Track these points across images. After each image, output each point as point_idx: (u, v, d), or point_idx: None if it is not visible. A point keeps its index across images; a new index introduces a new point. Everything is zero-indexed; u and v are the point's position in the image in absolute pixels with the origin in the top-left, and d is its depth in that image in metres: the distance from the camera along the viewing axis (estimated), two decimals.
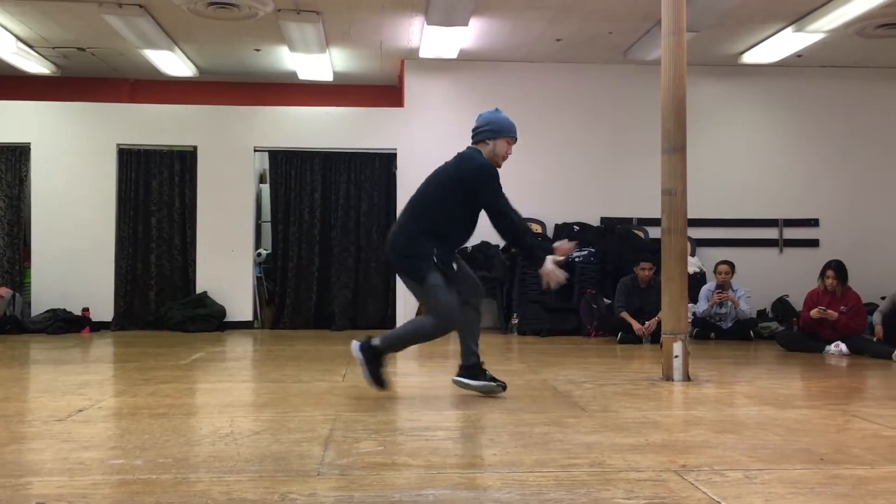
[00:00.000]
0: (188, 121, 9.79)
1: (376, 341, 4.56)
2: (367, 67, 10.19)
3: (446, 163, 4.73)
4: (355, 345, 4.58)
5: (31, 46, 9.21)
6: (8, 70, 9.89)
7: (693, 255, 9.50)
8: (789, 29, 8.49)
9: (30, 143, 9.58)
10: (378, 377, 4.54)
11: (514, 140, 4.69)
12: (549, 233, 9.79)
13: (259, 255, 10.33)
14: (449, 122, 9.98)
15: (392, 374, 5.80)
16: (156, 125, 9.76)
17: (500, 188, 4.60)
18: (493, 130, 4.55)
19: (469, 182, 4.48)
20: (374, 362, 4.55)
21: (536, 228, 9.77)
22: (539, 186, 9.92)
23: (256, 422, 3.90)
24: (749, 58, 9.52)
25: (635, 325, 7.98)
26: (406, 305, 9.71)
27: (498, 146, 4.54)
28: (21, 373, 5.99)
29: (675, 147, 5.38)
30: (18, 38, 8.89)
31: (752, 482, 2.81)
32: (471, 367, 4.67)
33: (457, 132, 9.99)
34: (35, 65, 9.68)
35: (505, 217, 4.52)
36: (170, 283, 9.74)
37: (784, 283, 9.69)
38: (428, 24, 8.22)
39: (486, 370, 4.69)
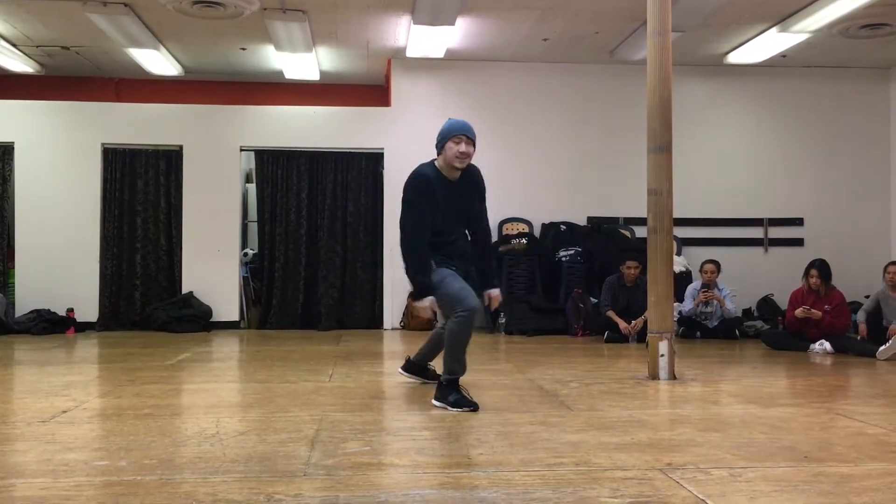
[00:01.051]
0: (174, 120, 9.74)
1: (443, 376, 4.36)
2: (354, 67, 10.17)
3: None
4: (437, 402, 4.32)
5: (14, 45, 9.13)
6: None
7: (679, 254, 9.54)
8: (774, 29, 8.54)
9: (13, 143, 9.51)
10: (465, 400, 4.25)
11: (462, 137, 4.38)
12: (536, 232, 9.81)
13: (245, 255, 10.29)
14: (436, 122, 9.84)
15: (378, 374, 5.82)
16: (141, 124, 9.70)
17: (413, 203, 4.37)
18: (440, 138, 4.48)
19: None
20: (452, 389, 4.30)
21: (523, 228, 9.80)
22: (525, 186, 9.93)
23: (242, 422, 3.89)
24: (734, 58, 9.57)
25: (622, 324, 8.01)
26: (393, 305, 9.71)
27: (446, 150, 4.43)
28: (4, 374, 5.94)
29: (661, 147, 5.40)
30: (2, 37, 8.82)
31: (736, 480, 2.83)
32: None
33: None
34: (19, 63, 9.60)
35: (400, 234, 4.44)
36: (155, 283, 9.69)
37: (769, 282, 9.76)
38: (415, 23, 8.21)
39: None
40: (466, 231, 4.65)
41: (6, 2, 7.78)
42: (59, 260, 9.38)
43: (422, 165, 4.53)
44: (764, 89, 10.26)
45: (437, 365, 4.80)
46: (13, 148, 9.51)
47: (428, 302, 4.32)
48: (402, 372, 5.22)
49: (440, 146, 4.48)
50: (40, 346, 7.68)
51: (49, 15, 8.17)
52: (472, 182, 4.59)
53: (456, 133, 4.41)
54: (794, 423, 3.90)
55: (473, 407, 4.16)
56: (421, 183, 4.39)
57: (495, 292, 4.69)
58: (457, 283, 4.33)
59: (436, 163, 4.53)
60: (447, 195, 4.42)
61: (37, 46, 9.24)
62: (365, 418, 4.00)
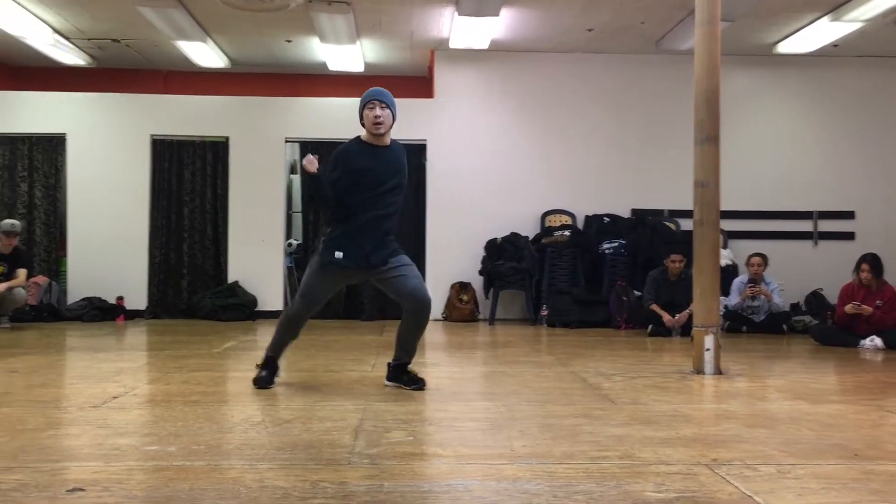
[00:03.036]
0: (220, 112, 9.88)
1: (403, 358, 4.60)
2: (398, 58, 10.19)
3: None
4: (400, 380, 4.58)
5: (67, 38, 9.34)
6: (44, 61, 10.04)
7: (725, 247, 9.40)
8: (826, 18, 8.34)
9: (66, 134, 9.73)
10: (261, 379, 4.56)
11: (373, 102, 4.37)
12: (579, 224, 9.75)
13: (290, 245, 10.39)
14: (479, 113, 9.98)
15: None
16: (188, 116, 9.86)
17: (338, 174, 4.39)
18: (359, 110, 4.47)
19: None
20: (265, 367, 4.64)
21: (566, 220, 9.74)
22: (569, 178, 9.88)
23: (287, 410, 3.94)
24: (784, 48, 9.38)
25: (666, 317, 7.92)
26: (435, 296, 9.72)
27: (364, 118, 4.44)
28: (57, 360, 6.10)
29: (708, 138, 5.32)
30: (55, 30, 9.02)
31: (784, 477, 2.79)
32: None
33: (487, 123, 10.04)
34: (71, 56, 9.82)
35: None
36: (202, 272, 9.85)
37: (818, 277, 9.56)
38: (459, 14, 8.20)
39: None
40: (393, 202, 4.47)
41: None
42: (109, 249, 9.57)
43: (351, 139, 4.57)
44: (814, 80, 10.04)
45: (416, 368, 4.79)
46: (65, 139, 9.73)
47: (306, 160, 4.31)
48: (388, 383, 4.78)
49: (360, 117, 4.47)
50: (91, 333, 7.86)
51: (100, 8, 8.33)
52: (401, 157, 4.56)
53: (365, 100, 4.43)
54: (844, 421, 3.83)
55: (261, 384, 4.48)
56: (341, 157, 4.44)
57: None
58: (324, 282, 4.48)
59: (361, 136, 4.53)
60: (370, 162, 4.40)
61: (88, 39, 9.43)
62: (408, 408, 4.02)
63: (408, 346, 4.61)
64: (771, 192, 9.94)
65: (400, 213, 4.61)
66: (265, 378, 4.58)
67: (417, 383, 4.52)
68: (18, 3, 8.08)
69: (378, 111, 4.38)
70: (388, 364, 4.68)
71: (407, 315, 4.51)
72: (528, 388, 4.74)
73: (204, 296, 9.53)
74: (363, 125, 4.46)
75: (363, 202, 4.37)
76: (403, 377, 4.58)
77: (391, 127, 4.47)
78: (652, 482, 2.69)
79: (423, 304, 4.47)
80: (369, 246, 4.39)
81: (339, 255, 4.36)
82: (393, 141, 4.55)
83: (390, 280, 4.46)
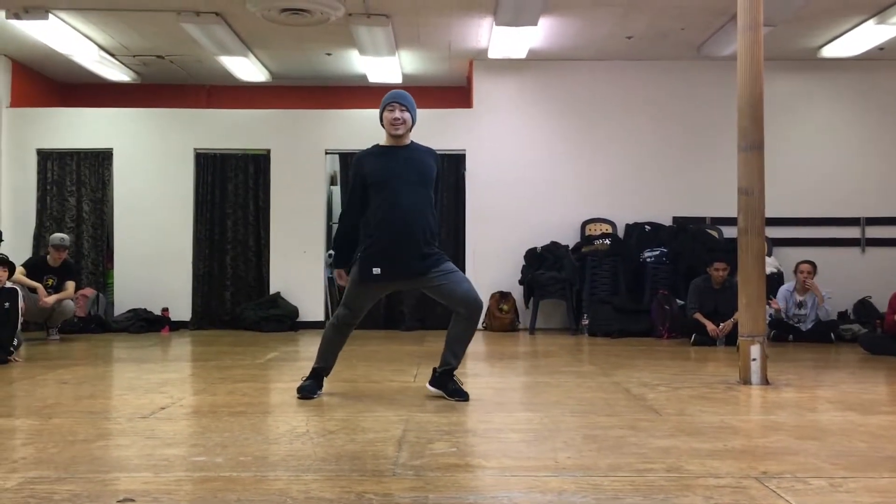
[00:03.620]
0: (262, 125, 10.00)
1: (450, 363, 4.61)
2: (436, 69, 10.24)
3: None
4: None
5: (112, 55, 9.55)
6: (91, 78, 10.28)
7: (770, 255, 9.25)
8: (871, 21, 8.19)
9: (112, 149, 9.93)
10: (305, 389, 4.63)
11: (393, 104, 4.49)
12: (620, 232, 9.68)
13: (331, 255, 10.43)
14: (518, 123, 9.97)
15: (462, 374, 5.83)
16: (231, 130, 10.00)
17: (351, 184, 4.57)
18: (380, 113, 4.59)
19: None
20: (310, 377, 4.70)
21: (606, 229, 9.67)
22: (609, 186, 9.81)
23: (331, 421, 3.96)
24: (828, 52, 9.22)
25: (710, 326, 7.81)
26: None
27: (384, 121, 4.53)
28: (106, 371, 6.21)
29: (753, 145, 5.25)
30: (100, 47, 9.23)
31: (836, 490, 2.73)
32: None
33: (526, 132, 10.03)
34: (116, 72, 10.04)
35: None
36: (245, 283, 9.97)
37: (867, 284, 9.36)
38: (497, 24, 8.21)
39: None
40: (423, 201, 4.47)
41: (105, 14, 8.14)
42: (154, 261, 9.74)
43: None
44: (860, 84, 9.86)
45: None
46: (112, 154, 9.93)
47: (335, 273, 4.65)
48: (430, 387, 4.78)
49: (381, 120, 4.57)
50: (138, 345, 8.00)
51: (145, 25, 8.50)
52: (425, 157, 4.59)
53: (385, 104, 4.54)
54: None
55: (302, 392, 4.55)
56: (354, 163, 4.62)
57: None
58: (361, 295, 4.52)
59: (380, 142, 4.65)
60: (390, 162, 4.48)
61: (133, 56, 9.63)
62: (450, 419, 4.02)
63: (457, 349, 4.60)
64: (817, 198, 9.76)
65: (436, 215, 4.56)
66: (307, 387, 4.62)
67: (461, 395, 4.50)
68: (66, 22, 8.29)
69: (398, 113, 4.48)
70: (434, 370, 4.67)
71: (459, 318, 4.53)
72: (570, 398, 4.71)
73: (247, 307, 9.64)
74: (383, 126, 4.55)
75: (387, 201, 4.40)
76: (449, 385, 4.57)
77: (411, 129, 4.57)
78: (701, 495, 2.65)
79: (476, 306, 4.51)
80: (407, 256, 4.40)
81: (376, 271, 4.41)
82: (415, 142, 4.63)
83: (438, 287, 4.50)
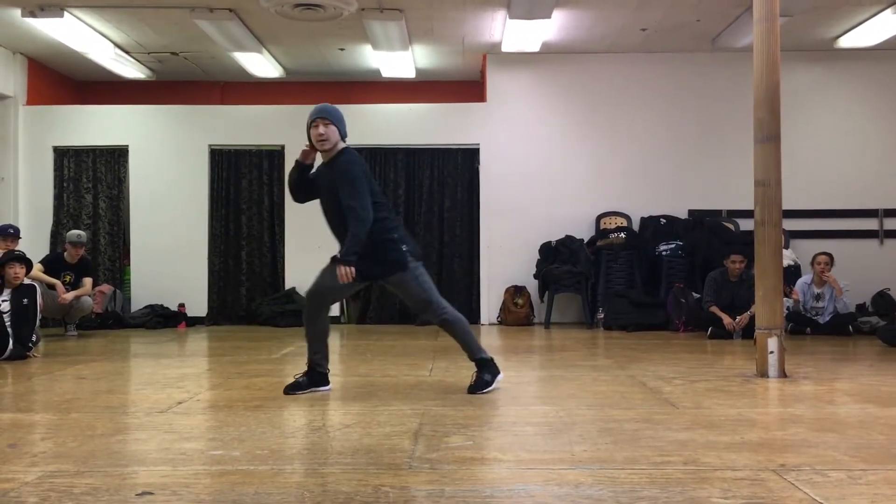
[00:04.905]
0: (276, 121, 10.02)
1: (484, 355, 4.65)
2: (450, 63, 10.22)
3: None
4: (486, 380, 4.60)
5: (127, 52, 9.59)
6: (106, 76, 10.33)
7: (787, 247, 9.18)
8: (888, 11, 8.10)
9: (128, 146, 9.98)
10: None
11: (318, 121, 4.52)
12: (635, 226, 9.64)
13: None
14: (532, 116, 9.94)
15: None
16: (245, 126, 10.03)
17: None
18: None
19: None
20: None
21: (621, 222, 9.64)
22: (623, 179, 9.77)
23: (347, 415, 3.98)
24: (845, 42, 9.13)
25: (726, 319, 7.76)
26: (490, 300, 9.73)
27: (310, 137, 4.56)
28: (124, 366, 6.26)
29: (769, 137, 5.21)
30: (115, 45, 9.27)
31: (856, 483, 2.71)
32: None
33: (540, 126, 10.00)
34: (132, 70, 10.08)
35: (358, 210, 4.45)
36: (260, 279, 10.00)
37: (885, 276, 9.27)
38: (510, 17, 8.19)
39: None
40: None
41: (120, 11, 8.18)
42: (170, 257, 9.78)
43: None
44: (877, 74, 9.76)
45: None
46: (128, 151, 9.98)
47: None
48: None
49: (307, 136, 4.59)
50: (155, 340, 8.05)
51: (159, 22, 8.54)
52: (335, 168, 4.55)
53: (311, 119, 4.54)
54: None
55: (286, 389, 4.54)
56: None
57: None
58: (343, 285, 4.50)
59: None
60: (322, 178, 4.56)
61: (148, 53, 9.67)
62: (466, 413, 4.02)
63: (459, 343, 4.67)
64: (834, 189, 9.68)
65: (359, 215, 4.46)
66: (295, 384, 4.60)
67: (473, 387, 4.56)
68: (81, 20, 8.33)
69: (322, 129, 4.47)
70: None
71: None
72: (586, 392, 4.70)
73: (262, 302, 9.67)
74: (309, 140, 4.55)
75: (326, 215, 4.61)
76: (474, 375, 4.64)
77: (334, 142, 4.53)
78: (718, 488, 2.64)
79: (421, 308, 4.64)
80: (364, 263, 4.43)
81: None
82: (342, 152, 4.56)
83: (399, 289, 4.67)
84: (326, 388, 4.70)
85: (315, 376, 4.68)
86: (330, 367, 4.80)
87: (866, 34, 8.81)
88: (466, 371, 5.60)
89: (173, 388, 4.85)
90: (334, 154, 4.55)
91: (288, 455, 3.15)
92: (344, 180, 4.43)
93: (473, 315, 9.82)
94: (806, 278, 8.43)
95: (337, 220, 4.56)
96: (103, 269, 9.87)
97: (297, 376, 4.68)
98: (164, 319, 9.38)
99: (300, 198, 4.74)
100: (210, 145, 10.01)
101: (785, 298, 7.79)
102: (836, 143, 9.78)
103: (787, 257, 8.82)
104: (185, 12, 8.06)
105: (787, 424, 3.75)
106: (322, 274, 4.64)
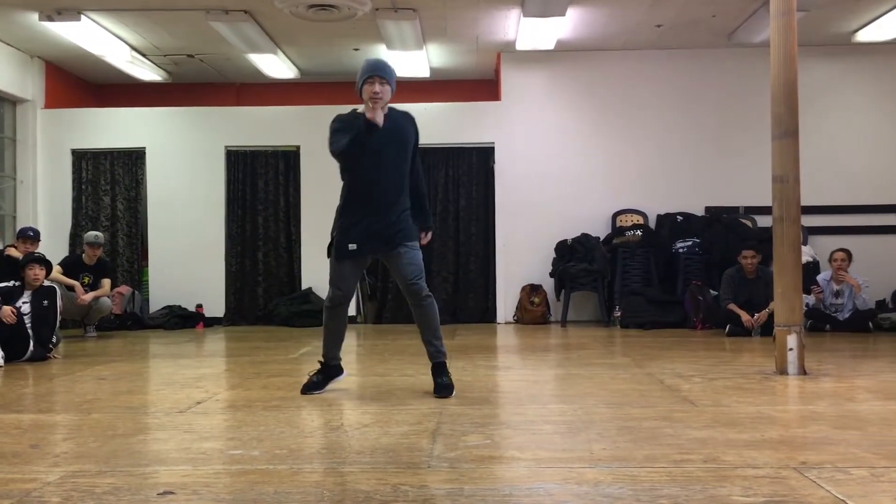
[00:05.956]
0: (291, 121, 10.06)
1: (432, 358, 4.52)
2: (464, 62, 10.22)
3: None
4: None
5: (143, 55, 9.66)
6: (123, 78, 10.41)
7: (805, 243, 9.11)
8: None
9: (145, 148, 10.05)
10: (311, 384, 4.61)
11: (374, 77, 4.31)
12: (651, 223, 9.60)
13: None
14: (547, 114, 9.92)
15: (493, 367, 5.85)
16: (261, 127, 10.07)
17: (333, 130, 4.42)
18: (358, 82, 4.41)
19: None
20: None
21: (637, 220, 9.60)
22: (640, 176, 9.73)
23: (365, 415, 3.98)
24: (863, 36, 9.05)
25: (744, 316, 7.71)
26: (506, 299, 9.71)
27: (363, 93, 4.36)
28: (143, 367, 6.30)
29: (787, 132, 5.17)
30: (132, 48, 9.33)
31: (878, 480, 2.69)
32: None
33: (555, 123, 9.97)
34: (148, 72, 10.15)
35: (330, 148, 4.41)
36: (276, 279, 10.04)
37: None
38: (524, 15, 8.17)
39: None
40: (401, 174, 4.43)
41: (136, 14, 8.23)
42: (188, 258, 9.84)
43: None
44: None
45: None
46: (145, 153, 10.04)
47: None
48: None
49: (358, 91, 4.42)
50: (173, 341, 8.10)
51: (175, 25, 8.59)
52: (405, 123, 4.51)
53: (365, 75, 4.37)
54: None
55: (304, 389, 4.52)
56: (337, 120, 4.45)
57: (429, 235, 4.62)
58: (346, 270, 4.42)
59: (357, 109, 4.49)
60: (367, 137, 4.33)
61: (164, 55, 9.73)
62: (484, 412, 4.01)
63: (428, 338, 4.47)
64: (853, 185, 9.59)
65: (419, 179, 4.52)
66: (311, 384, 4.58)
67: (441, 391, 4.38)
68: (98, 23, 8.39)
69: (377, 87, 4.32)
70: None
71: (411, 304, 4.48)
72: (604, 390, 4.68)
73: (279, 302, 9.71)
74: (360, 96, 4.41)
75: (366, 174, 4.35)
76: (436, 379, 4.46)
77: (388, 101, 4.43)
78: (739, 486, 2.63)
79: (411, 290, 4.38)
80: (383, 230, 4.33)
81: (352, 247, 4.37)
82: (392, 108, 4.50)
83: (397, 262, 4.40)
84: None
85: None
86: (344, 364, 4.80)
87: (884, 28, 8.73)
88: (483, 371, 5.61)
89: (192, 388, 4.88)
90: (385, 111, 4.43)
91: (307, 454, 3.16)
92: (416, 143, 4.50)
93: (489, 314, 9.82)
94: (825, 275, 8.36)
95: (396, 175, 4.39)
96: (122, 271, 9.94)
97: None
98: (181, 320, 9.43)
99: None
100: (226, 146, 10.06)
101: (808, 295, 7.75)
102: (854, 139, 9.69)
103: (806, 254, 8.76)
104: (201, 14, 8.10)
105: (808, 422, 3.72)
106: (411, 262, 4.38)
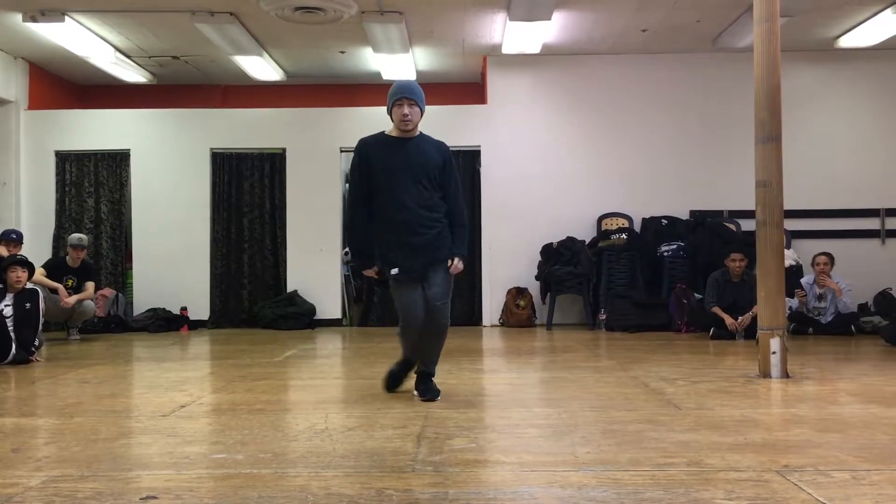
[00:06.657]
0: (277, 124, 10.03)
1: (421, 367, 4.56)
2: (450, 65, 10.23)
3: None
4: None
5: (128, 56, 9.60)
6: (107, 80, 10.35)
7: (788, 247, 9.18)
8: (888, 10, 8.10)
9: (129, 150, 9.98)
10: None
11: (402, 100, 4.36)
12: (636, 227, 9.64)
13: (346, 253, 10.48)
14: (533, 118, 9.95)
15: (479, 370, 5.85)
16: (246, 129, 10.03)
17: (351, 178, 4.60)
18: (388, 103, 4.45)
19: None
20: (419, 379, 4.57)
21: (622, 223, 9.64)
22: (625, 180, 9.76)
23: (350, 418, 3.98)
24: (845, 42, 9.13)
25: (728, 319, 7.76)
26: (492, 302, 9.73)
27: (393, 115, 4.42)
28: (126, 370, 6.26)
29: (770, 137, 5.22)
30: (117, 49, 9.28)
31: (860, 483, 2.71)
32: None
33: (541, 127, 10.00)
34: (133, 74, 10.10)
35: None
36: (262, 282, 10.00)
37: (887, 276, 9.24)
38: (510, 19, 8.19)
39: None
40: (427, 196, 4.41)
41: (120, 15, 8.19)
42: (172, 260, 9.78)
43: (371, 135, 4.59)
44: (878, 74, 9.75)
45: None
46: (129, 154, 9.98)
47: (372, 271, 4.54)
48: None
49: (389, 113, 4.47)
50: (157, 344, 8.05)
51: (160, 26, 8.55)
52: (431, 149, 4.50)
53: (395, 98, 4.40)
54: None
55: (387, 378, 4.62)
56: (357, 153, 4.51)
57: (455, 262, 4.47)
58: (404, 296, 4.37)
59: (385, 131, 4.55)
60: (395, 156, 4.38)
61: (149, 57, 9.68)
62: (469, 415, 4.02)
63: (424, 357, 4.53)
64: (836, 189, 9.67)
65: (455, 202, 4.53)
66: (393, 373, 4.65)
67: (426, 394, 4.41)
68: (82, 24, 8.34)
69: (406, 109, 4.36)
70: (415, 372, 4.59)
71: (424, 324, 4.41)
72: (589, 393, 4.70)
73: (264, 305, 9.68)
74: (391, 118, 4.46)
75: (392, 198, 4.35)
76: (419, 385, 4.49)
77: (418, 122, 4.46)
78: (722, 489, 2.64)
79: (433, 316, 4.35)
80: (419, 251, 4.34)
81: (394, 271, 4.37)
82: (424, 135, 4.53)
83: (428, 281, 4.38)
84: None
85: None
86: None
87: (866, 34, 8.81)
88: (469, 374, 5.62)
89: (176, 391, 4.85)
90: (416, 134, 4.47)
91: (291, 458, 3.15)
92: (453, 172, 4.55)
93: (475, 317, 9.83)
94: (808, 278, 8.42)
95: (421, 199, 4.36)
96: (105, 273, 9.87)
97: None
98: (166, 323, 9.38)
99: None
100: (211, 148, 10.01)
101: (791, 299, 7.80)
102: (836, 143, 9.77)
103: (789, 257, 8.81)
104: (186, 16, 8.07)
105: (791, 425, 3.75)
106: (440, 284, 4.37)
